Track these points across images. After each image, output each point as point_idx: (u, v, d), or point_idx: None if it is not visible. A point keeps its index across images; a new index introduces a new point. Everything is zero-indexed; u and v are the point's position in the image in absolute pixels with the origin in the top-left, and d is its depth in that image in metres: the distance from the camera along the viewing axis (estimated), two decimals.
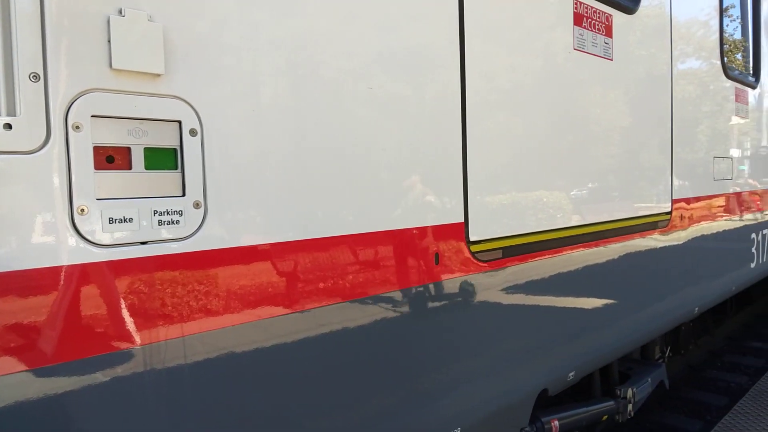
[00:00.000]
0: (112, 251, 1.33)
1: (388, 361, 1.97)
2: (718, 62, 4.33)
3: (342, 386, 1.83)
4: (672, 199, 3.69)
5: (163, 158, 1.42)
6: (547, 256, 2.63)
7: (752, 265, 5.07)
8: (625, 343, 3.35)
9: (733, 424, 3.98)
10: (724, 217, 4.54)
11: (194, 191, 1.46)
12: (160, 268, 1.40)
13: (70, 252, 1.27)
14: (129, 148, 1.36)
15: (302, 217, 1.69)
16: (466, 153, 2.18)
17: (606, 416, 3.32)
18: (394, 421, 2.00)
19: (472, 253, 2.25)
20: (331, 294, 1.77)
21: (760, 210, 5.29)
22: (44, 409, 1.25)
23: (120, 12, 1.32)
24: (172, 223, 1.42)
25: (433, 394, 2.13)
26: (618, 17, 3.05)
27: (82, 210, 1.28)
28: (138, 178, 1.38)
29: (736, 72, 4.80)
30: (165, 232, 1.41)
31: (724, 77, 4.44)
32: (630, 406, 3.41)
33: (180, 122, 1.43)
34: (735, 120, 4.70)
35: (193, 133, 1.45)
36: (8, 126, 1.19)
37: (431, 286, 2.10)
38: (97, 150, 1.31)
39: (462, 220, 2.20)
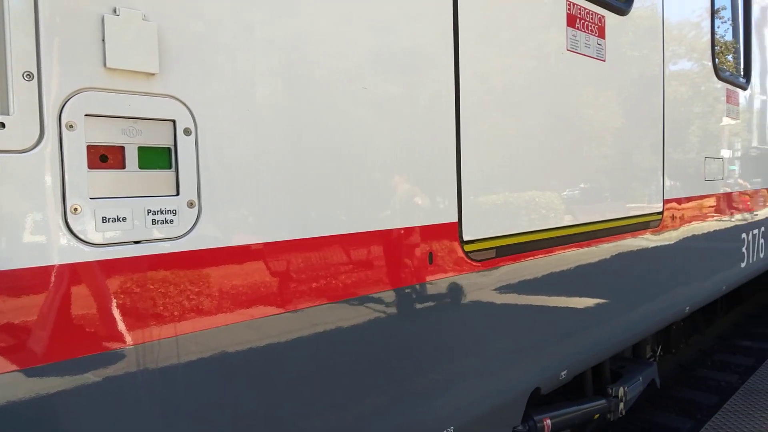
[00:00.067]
0: (106, 250, 1.32)
1: (381, 360, 1.98)
2: (710, 63, 4.37)
3: (335, 386, 1.83)
4: (663, 200, 3.72)
5: (157, 157, 1.41)
6: (539, 256, 2.65)
7: (742, 265, 5.12)
8: (617, 342, 3.38)
9: (723, 422, 4.01)
10: (715, 218, 4.58)
11: (188, 190, 1.46)
12: (154, 267, 1.40)
13: (63, 251, 1.27)
14: (123, 147, 1.36)
15: (297, 216, 1.70)
16: (460, 153, 2.19)
17: (598, 415, 3.34)
18: (387, 420, 2.01)
19: (466, 253, 2.26)
20: (324, 294, 1.78)
21: (750, 210, 5.33)
22: (36, 409, 1.24)
23: (114, 11, 1.31)
24: (166, 222, 1.42)
25: (427, 393, 2.14)
26: (611, 18, 3.07)
27: (76, 209, 1.28)
28: (132, 177, 1.37)
29: (727, 73, 4.84)
30: (158, 232, 1.41)
31: (715, 78, 4.47)
32: (621, 405, 3.43)
33: (174, 121, 1.43)
34: (726, 121, 4.74)
35: (187, 132, 1.45)
36: (1, 125, 1.18)
37: (425, 285, 2.11)
38: (91, 149, 1.31)
39: (456, 219, 2.20)
